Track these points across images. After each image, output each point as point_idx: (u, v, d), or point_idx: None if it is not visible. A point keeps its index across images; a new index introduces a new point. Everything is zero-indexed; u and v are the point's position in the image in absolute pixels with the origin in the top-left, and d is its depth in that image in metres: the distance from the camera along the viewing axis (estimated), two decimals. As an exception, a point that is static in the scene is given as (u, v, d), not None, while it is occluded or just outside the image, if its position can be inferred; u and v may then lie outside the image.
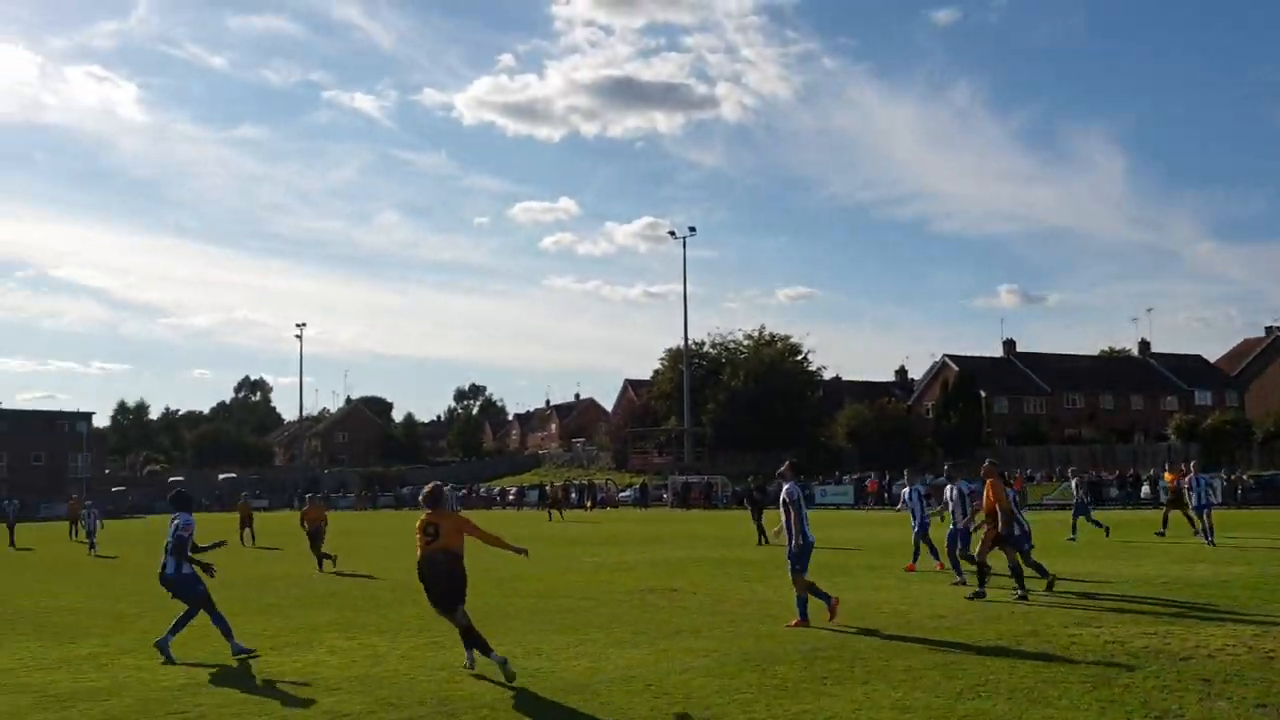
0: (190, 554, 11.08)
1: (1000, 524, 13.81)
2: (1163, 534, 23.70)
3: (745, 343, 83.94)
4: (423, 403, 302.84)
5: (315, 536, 21.83)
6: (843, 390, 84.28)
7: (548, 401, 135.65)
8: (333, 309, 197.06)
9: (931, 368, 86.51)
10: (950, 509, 15.55)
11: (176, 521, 11.08)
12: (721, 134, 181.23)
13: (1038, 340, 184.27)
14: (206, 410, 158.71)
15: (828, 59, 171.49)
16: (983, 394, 76.20)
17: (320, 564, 21.39)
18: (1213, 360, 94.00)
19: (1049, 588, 13.95)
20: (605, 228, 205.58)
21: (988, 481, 14.15)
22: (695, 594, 15.12)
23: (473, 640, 9.39)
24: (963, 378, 75.95)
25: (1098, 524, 24.27)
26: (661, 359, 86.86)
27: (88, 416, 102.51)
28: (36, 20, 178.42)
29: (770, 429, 73.00)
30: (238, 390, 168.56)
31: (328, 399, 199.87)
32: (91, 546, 30.13)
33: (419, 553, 9.70)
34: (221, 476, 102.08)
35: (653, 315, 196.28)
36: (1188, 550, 20.32)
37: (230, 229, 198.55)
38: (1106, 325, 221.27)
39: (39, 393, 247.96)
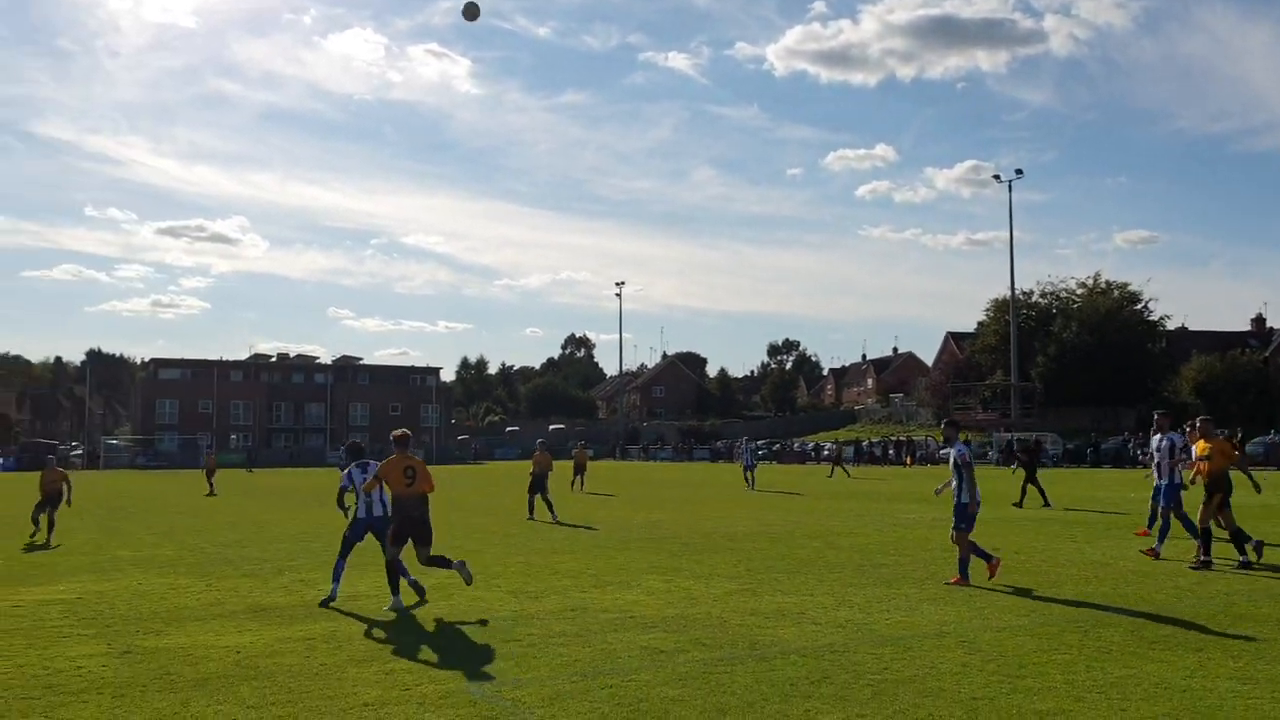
0: (340, 503, 11.69)
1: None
2: None
3: (1078, 291, 78.98)
4: (737, 357, 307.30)
5: (541, 481, 22.36)
6: (1189, 341, 77.33)
7: (864, 356, 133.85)
8: (650, 266, 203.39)
9: (1296, 316, 77.49)
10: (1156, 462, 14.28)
11: (350, 471, 11.40)
12: (1050, 69, 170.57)
13: None
14: (538, 365, 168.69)
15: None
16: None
17: (550, 509, 21.81)
18: None
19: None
20: (924, 174, 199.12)
21: (1207, 441, 13.10)
22: (1017, 554, 14.53)
23: (394, 579, 10.50)
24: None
25: None
26: (986, 310, 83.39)
27: (436, 371, 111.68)
28: (383, 4, 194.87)
29: (1106, 383, 68.44)
30: (565, 346, 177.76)
31: (646, 355, 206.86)
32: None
33: (399, 492, 10.55)
34: (552, 427, 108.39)
35: (976, 264, 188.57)
36: None
37: (555, 193, 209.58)
38: None
39: (394, 350, 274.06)
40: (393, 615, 10.20)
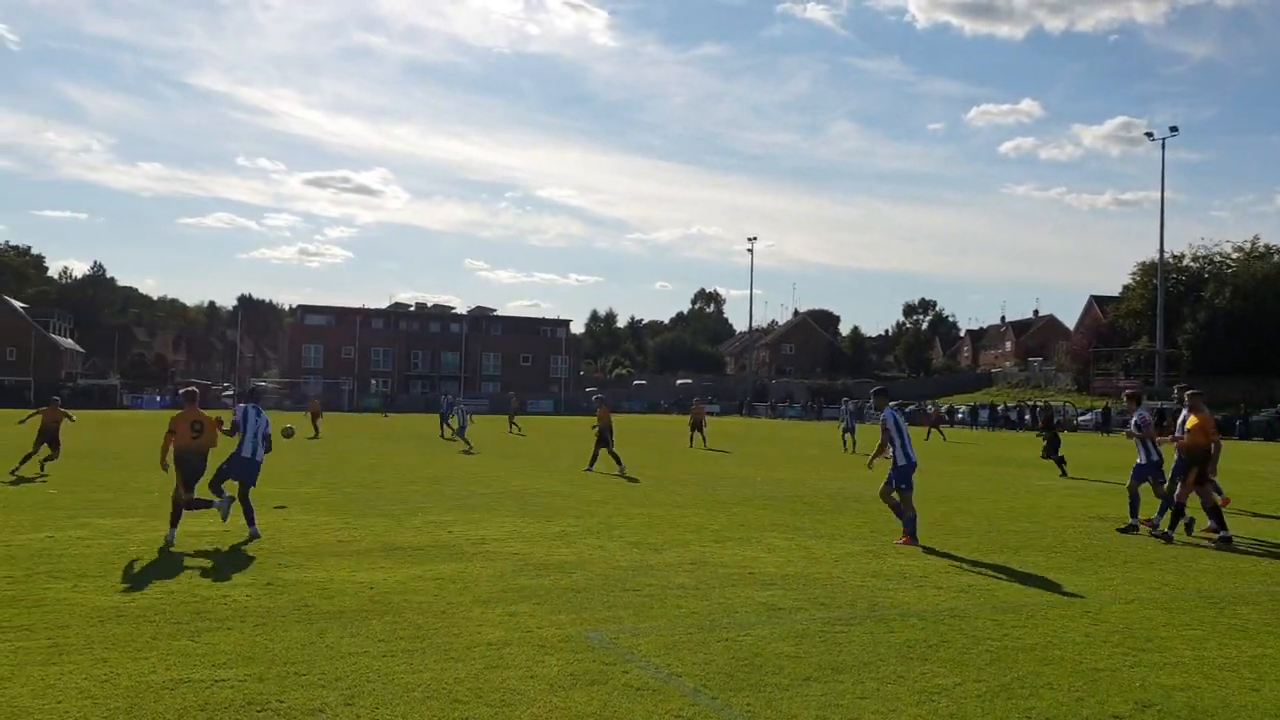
0: (230, 433, 12.23)
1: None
2: None
3: (1233, 255, 75.16)
4: (870, 316, 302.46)
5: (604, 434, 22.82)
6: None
7: (1003, 317, 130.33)
8: (783, 221, 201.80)
9: None
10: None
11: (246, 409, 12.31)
12: (1215, 20, 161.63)
13: None
14: (667, 320, 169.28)
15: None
16: None
17: (618, 463, 22.33)
18: None
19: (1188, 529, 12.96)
20: (1071, 130, 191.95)
21: (1196, 415, 12.63)
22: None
23: (178, 515, 11.34)
24: None
25: None
26: (1132, 273, 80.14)
27: (566, 323, 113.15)
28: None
29: (1261, 353, 65.09)
30: (694, 301, 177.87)
31: (776, 311, 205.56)
32: (457, 437, 34.14)
33: (185, 444, 11.40)
34: (679, 382, 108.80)
35: (1123, 225, 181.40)
36: None
37: (690, 146, 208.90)
38: None
39: (525, 301, 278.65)
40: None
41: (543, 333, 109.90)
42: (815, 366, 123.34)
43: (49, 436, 19.80)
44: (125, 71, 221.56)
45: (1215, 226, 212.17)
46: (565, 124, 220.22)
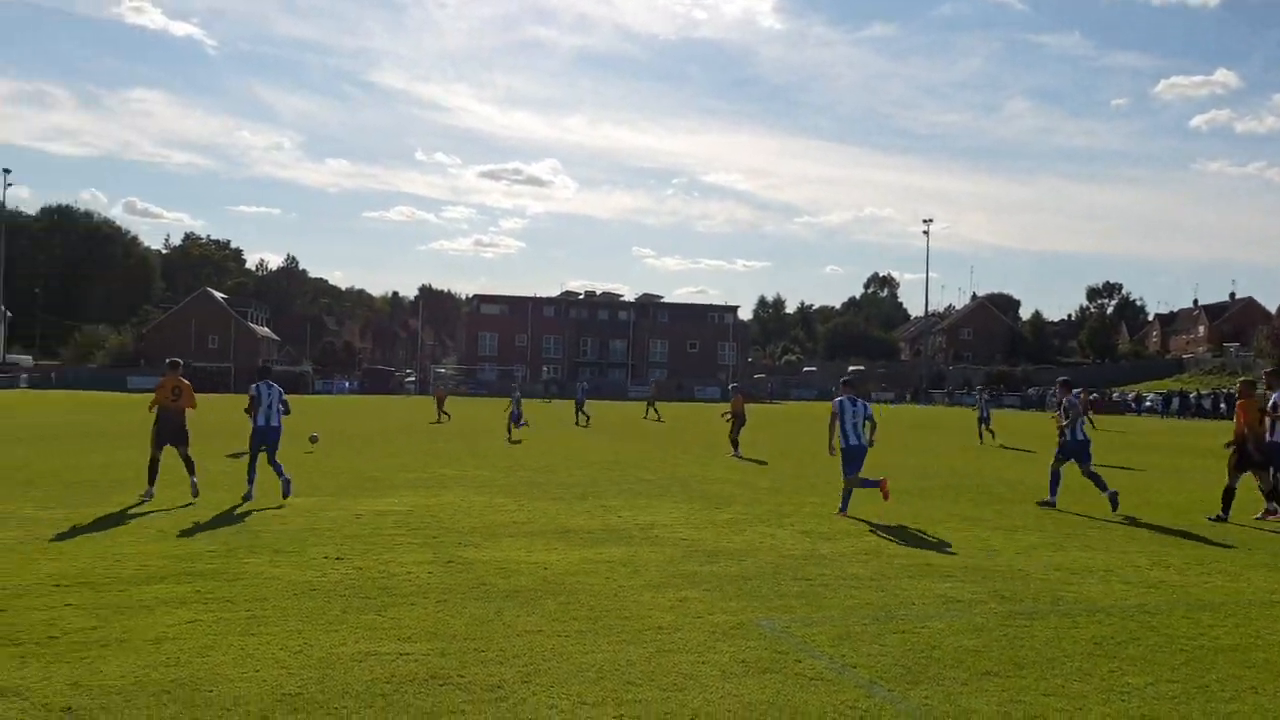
0: (248, 411, 14.24)
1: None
2: None
3: None
4: (1052, 300, 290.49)
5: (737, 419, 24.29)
6: None
7: (1195, 301, 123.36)
8: (958, 203, 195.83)
9: None
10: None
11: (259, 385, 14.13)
12: None
13: None
14: (838, 305, 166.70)
15: None
16: None
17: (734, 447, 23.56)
18: None
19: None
20: (1271, 101, 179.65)
21: (1245, 400, 13.49)
22: (1369, 523, 13.02)
23: (191, 469, 13.58)
24: None
25: None
26: (1344, 252, 74.24)
27: (734, 310, 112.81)
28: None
29: None
30: (866, 285, 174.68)
31: (953, 295, 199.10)
32: (516, 424, 29.55)
33: (165, 404, 13.51)
34: (851, 368, 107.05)
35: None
36: None
37: (860, 128, 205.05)
38: None
39: (692, 288, 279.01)
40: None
41: (710, 319, 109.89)
42: (994, 352, 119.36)
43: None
44: (312, 71, 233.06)
45: None
46: (732, 108, 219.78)
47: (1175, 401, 63.31)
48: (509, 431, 28.55)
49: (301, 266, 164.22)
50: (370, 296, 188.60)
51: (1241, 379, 14.64)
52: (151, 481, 13.25)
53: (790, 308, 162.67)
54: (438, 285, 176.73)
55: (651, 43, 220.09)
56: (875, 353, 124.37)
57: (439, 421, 37.10)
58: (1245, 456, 13.23)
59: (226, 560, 9.19)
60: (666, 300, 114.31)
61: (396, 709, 5.27)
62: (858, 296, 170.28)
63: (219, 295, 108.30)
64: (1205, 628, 7.31)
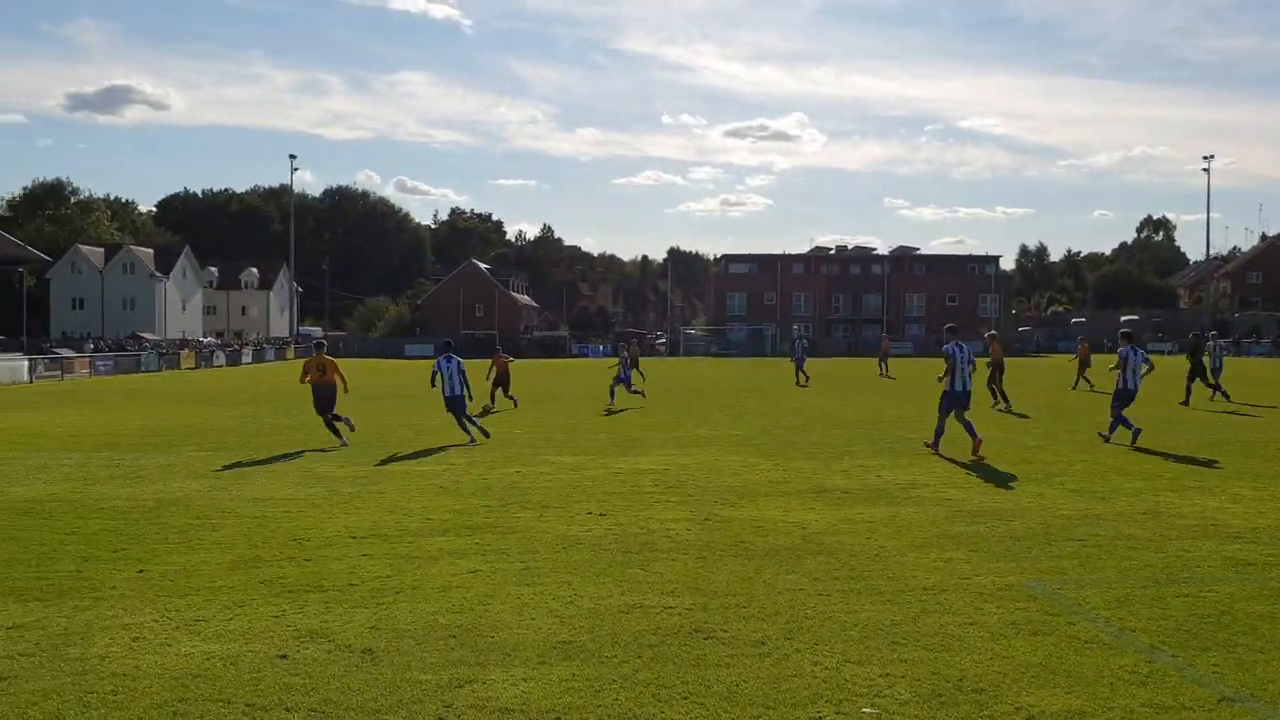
0: (432, 383, 16.77)
1: None
2: None
3: None
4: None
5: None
6: None
7: None
8: (1243, 136, 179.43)
9: None
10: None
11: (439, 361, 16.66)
12: None
13: None
14: (1108, 251, 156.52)
15: None
16: None
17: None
18: None
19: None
20: None
21: None
22: None
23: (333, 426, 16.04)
24: None
25: None
26: None
27: (995, 260, 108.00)
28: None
29: None
30: (1139, 230, 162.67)
31: (1239, 236, 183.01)
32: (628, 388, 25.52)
33: (315, 380, 16.17)
34: (1124, 318, 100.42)
35: None
36: None
37: (1130, 61, 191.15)
38: None
39: (950, 238, 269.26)
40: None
41: (970, 270, 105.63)
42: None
43: (502, 381, 23.70)
44: (562, 43, 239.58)
45: None
46: (987, 49, 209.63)
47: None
48: (611, 396, 24.20)
49: (556, 235, 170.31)
50: (621, 261, 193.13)
51: None
52: (338, 434, 15.96)
53: (1055, 255, 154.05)
54: (685, 247, 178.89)
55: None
56: (1151, 301, 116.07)
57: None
58: None
59: (500, 514, 9.73)
60: (923, 252, 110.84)
61: (663, 660, 5.44)
62: (1129, 242, 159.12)
63: (483, 266, 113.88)
64: None
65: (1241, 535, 8.60)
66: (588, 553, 8.04)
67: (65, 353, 53.78)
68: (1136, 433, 15.14)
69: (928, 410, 23.15)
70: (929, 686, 5.03)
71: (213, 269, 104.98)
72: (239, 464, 13.80)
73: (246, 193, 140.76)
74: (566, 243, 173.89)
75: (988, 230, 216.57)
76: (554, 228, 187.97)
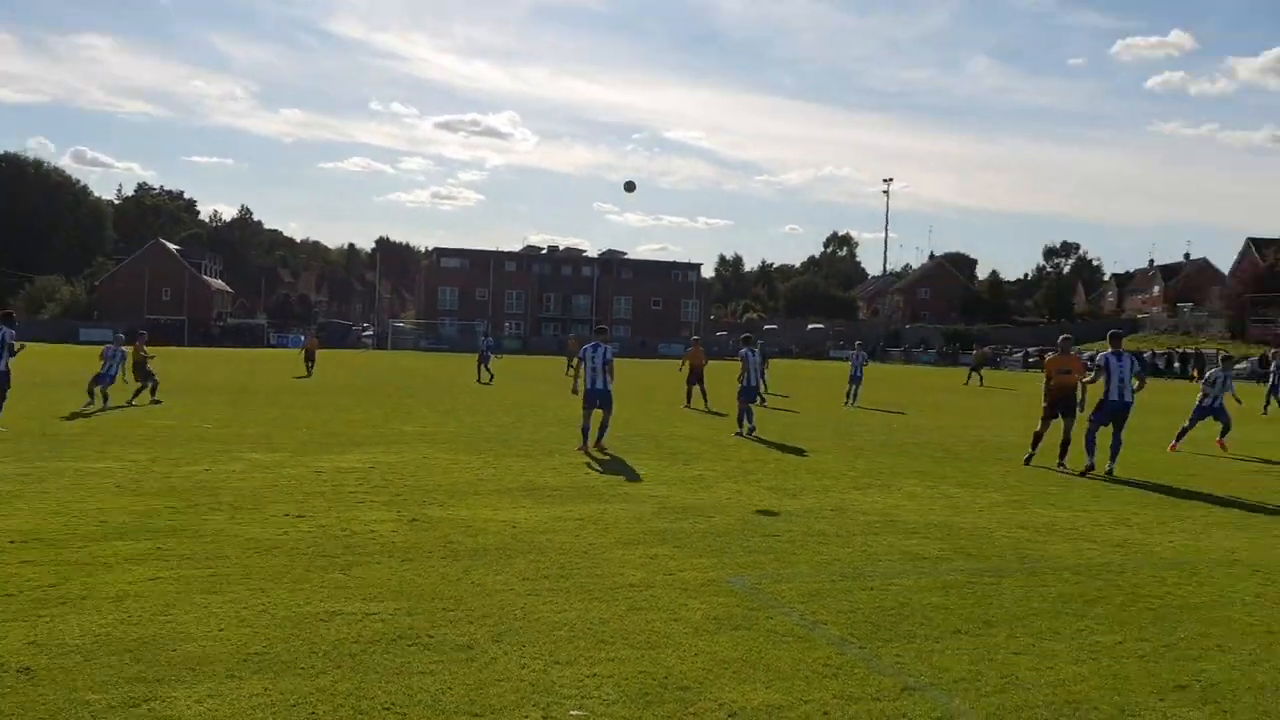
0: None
1: None
2: None
3: None
4: (1009, 260, 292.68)
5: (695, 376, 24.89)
6: None
7: (1151, 261, 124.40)
8: (919, 162, 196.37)
9: None
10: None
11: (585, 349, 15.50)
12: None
13: None
14: (797, 264, 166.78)
15: None
16: None
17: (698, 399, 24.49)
18: None
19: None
20: (1225, 63, 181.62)
21: None
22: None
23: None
24: None
25: None
26: (1295, 214, 75.36)
27: (697, 267, 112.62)
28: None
29: None
30: (826, 245, 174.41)
31: (911, 255, 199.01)
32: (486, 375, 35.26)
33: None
34: (810, 327, 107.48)
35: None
36: None
37: (822, 85, 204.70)
38: None
39: (654, 245, 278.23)
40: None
41: (674, 276, 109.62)
42: (951, 311, 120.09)
43: (141, 371, 21.92)
44: (267, 20, 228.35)
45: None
46: (693, 63, 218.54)
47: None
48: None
49: (256, 218, 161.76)
50: (326, 249, 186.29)
51: None
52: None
53: (751, 266, 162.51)
54: (395, 238, 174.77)
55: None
56: (834, 311, 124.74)
57: (307, 376, 34.89)
58: None
59: (186, 516, 9.01)
60: (630, 257, 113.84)
61: (365, 669, 5.17)
62: (817, 255, 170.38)
63: (172, 246, 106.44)
64: (1171, 586, 7.37)
65: (917, 530, 9.30)
66: (284, 557, 7.57)
67: None
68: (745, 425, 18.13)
69: (650, 408, 23.79)
70: (636, 685, 5.06)
71: None
72: None
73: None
74: (267, 226, 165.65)
75: (690, 239, 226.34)
76: (253, 210, 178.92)
